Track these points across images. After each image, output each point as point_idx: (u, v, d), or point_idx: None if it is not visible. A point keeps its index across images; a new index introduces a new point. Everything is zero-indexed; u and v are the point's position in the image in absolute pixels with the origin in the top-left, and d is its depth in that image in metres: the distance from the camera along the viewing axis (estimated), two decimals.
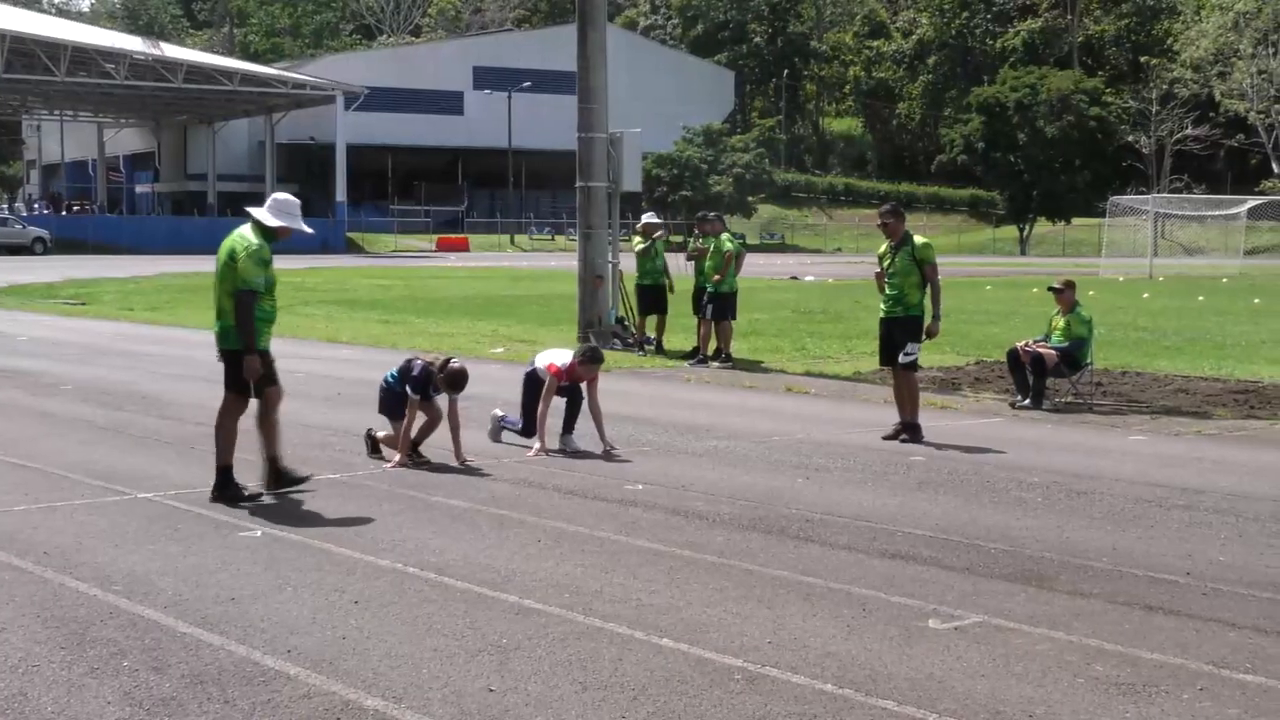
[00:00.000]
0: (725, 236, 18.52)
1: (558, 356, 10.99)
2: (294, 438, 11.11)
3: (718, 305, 17.95)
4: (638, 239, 19.75)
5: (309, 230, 9.17)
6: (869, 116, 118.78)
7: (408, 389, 9.89)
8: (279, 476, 9.02)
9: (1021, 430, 12.39)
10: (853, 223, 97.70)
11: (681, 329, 20.42)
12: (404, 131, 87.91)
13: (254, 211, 8.92)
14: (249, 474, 9.02)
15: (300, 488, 9.08)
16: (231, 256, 8.65)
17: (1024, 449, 11.23)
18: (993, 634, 6.07)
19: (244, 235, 8.75)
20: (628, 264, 20.49)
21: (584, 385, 10.93)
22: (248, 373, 8.64)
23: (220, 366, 8.95)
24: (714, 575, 7.03)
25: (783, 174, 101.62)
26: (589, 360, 10.83)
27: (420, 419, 10.10)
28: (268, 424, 8.96)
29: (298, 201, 9.09)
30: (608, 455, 10.59)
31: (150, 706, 5.08)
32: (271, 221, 8.81)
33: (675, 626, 6.11)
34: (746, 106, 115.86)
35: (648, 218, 20.18)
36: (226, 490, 8.77)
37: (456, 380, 9.88)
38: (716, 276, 17.96)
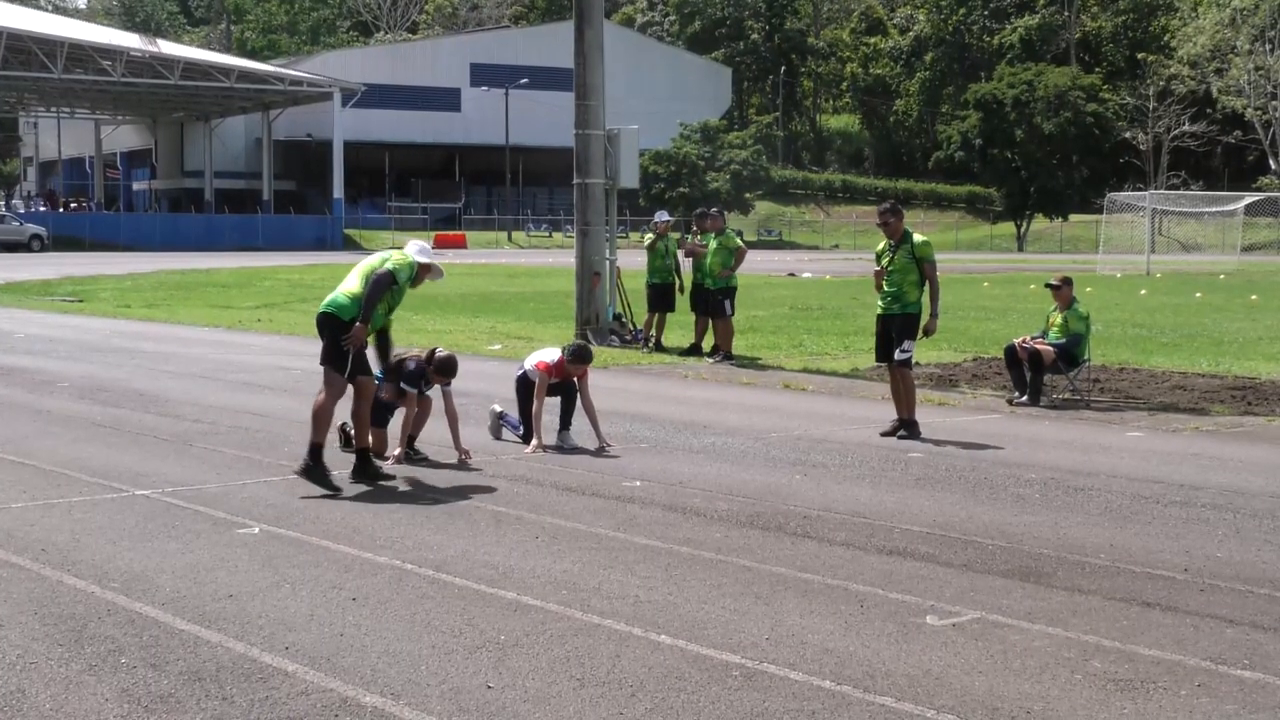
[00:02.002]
0: (730, 232, 18.64)
1: (547, 355, 11.01)
2: (293, 435, 11.13)
3: (732, 301, 18.06)
4: (649, 236, 19.80)
5: (443, 276, 9.95)
6: (866, 113, 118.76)
7: (403, 385, 9.97)
8: (364, 468, 9.33)
9: (1019, 426, 12.39)
10: (850, 219, 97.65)
11: (679, 325, 20.42)
12: (401, 128, 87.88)
13: (407, 249, 9.63)
14: (252, 471, 8.99)
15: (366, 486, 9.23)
16: (385, 260, 9.30)
17: (1021, 445, 11.23)
18: (990, 630, 6.07)
19: (407, 254, 9.52)
20: (625, 261, 20.47)
21: (576, 381, 10.94)
22: (353, 338, 8.98)
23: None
24: (711, 572, 7.03)
25: (780, 171, 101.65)
26: (576, 359, 10.83)
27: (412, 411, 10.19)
28: (359, 416, 9.40)
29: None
30: (604, 452, 10.60)
31: (148, 703, 5.08)
32: (424, 259, 9.54)
33: (673, 623, 6.11)
34: (744, 103, 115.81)
35: (661, 216, 20.18)
36: (315, 469, 8.94)
37: (448, 366, 10.15)
38: (726, 272, 18.00)
